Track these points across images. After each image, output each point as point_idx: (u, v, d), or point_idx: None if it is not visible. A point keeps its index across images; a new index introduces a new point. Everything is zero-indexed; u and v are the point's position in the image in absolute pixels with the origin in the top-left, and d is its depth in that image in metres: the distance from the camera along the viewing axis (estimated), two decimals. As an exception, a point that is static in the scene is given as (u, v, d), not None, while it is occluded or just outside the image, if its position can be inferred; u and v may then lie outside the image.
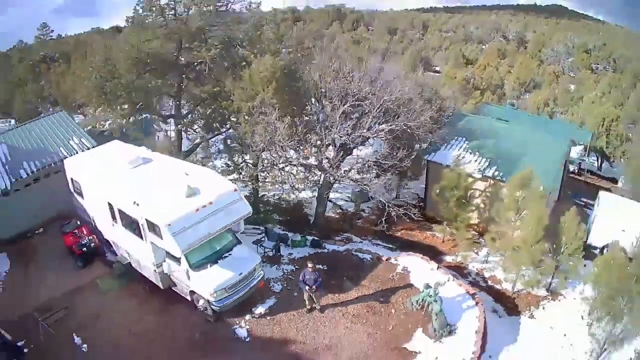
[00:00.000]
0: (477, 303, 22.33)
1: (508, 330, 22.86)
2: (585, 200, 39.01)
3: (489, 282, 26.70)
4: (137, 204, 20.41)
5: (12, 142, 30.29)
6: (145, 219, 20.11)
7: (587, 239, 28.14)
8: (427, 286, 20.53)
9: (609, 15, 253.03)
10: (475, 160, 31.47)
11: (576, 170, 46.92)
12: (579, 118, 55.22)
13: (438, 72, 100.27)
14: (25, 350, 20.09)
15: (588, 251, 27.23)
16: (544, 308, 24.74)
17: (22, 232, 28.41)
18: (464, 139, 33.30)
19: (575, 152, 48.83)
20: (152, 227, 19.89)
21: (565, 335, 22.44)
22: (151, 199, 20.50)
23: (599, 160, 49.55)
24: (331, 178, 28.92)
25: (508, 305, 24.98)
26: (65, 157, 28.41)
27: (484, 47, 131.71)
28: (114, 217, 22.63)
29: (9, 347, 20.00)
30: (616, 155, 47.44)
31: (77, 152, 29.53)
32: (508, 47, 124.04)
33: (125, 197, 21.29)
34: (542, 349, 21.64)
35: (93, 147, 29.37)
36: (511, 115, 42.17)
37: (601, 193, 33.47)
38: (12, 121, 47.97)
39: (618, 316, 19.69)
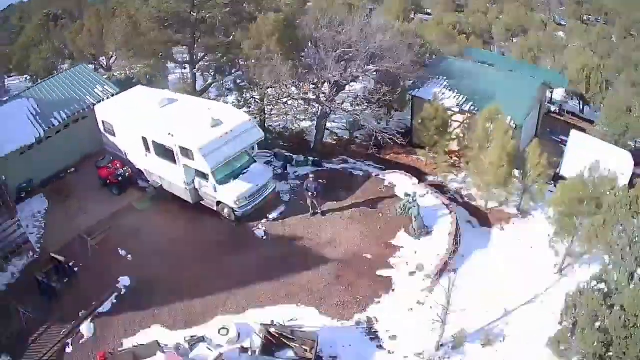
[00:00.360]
0: (451, 212, 26.60)
1: (480, 238, 26.66)
2: (562, 137, 40.87)
3: (466, 199, 30.15)
4: (172, 135, 24.67)
5: (39, 96, 32.60)
6: (179, 146, 24.42)
7: (559, 170, 31.45)
8: (407, 194, 25.15)
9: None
10: (454, 97, 34.70)
11: (558, 111, 49.26)
12: (562, 65, 57.70)
13: (429, 14, 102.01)
14: (76, 269, 23.43)
15: (561, 180, 30.27)
16: (513, 224, 28.21)
17: (55, 174, 31.27)
18: (445, 78, 36.42)
19: (559, 95, 51.53)
20: (185, 152, 24.24)
21: (531, 247, 25.84)
22: (183, 130, 24.72)
23: (581, 105, 52.71)
24: (327, 109, 32.91)
25: (481, 219, 28.56)
26: (93, 104, 31.56)
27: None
28: (147, 149, 26.77)
29: (63, 268, 23.23)
30: (595, 101, 50.47)
31: (102, 99, 32.20)
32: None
33: (160, 130, 25.48)
34: (509, 255, 25.13)
35: (116, 93, 32.26)
36: (493, 59, 45.11)
37: (573, 132, 36.01)
38: (26, 78, 50.66)
39: (574, 233, 22.90)
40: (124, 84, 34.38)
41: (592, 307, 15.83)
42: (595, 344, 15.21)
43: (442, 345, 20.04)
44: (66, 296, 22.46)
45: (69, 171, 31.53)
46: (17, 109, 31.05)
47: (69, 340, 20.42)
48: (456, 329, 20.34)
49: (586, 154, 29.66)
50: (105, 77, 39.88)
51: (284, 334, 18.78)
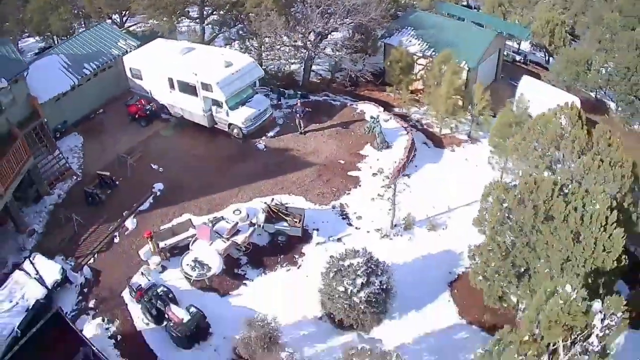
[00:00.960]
0: (408, 132, 34.39)
1: (433, 156, 33.74)
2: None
3: (425, 127, 37.09)
4: (196, 74, 32.10)
5: (68, 52, 37.37)
6: (201, 82, 31.92)
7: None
8: (371, 117, 33.13)
9: None
10: (419, 44, 41.14)
11: (523, 61, 54.10)
12: (529, 20, 61.53)
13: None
14: (117, 182, 30.14)
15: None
16: (463, 147, 34.77)
17: (86, 115, 36.86)
18: (412, 28, 42.71)
19: (526, 47, 56.22)
20: (206, 86, 31.81)
21: (476, 166, 32.08)
22: (203, 70, 32.20)
23: (547, 56, 56.53)
24: (312, 54, 40.01)
25: (436, 142, 35.41)
26: (118, 56, 37.59)
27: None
28: (172, 87, 33.93)
29: (107, 182, 29.86)
30: (559, 53, 53.16)
31: (127, 51, 37.78)
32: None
33: (184, 71, 32.79)
34: (456, 170, 31.88)
35: (138, 45, 37.98)
36: (462, 13, 51.99)
37: (524, 76, 40.40)
38: (42, 38, 55.11)
39: (506, 152, 28.29)
40: (141, 39, 40.67)
41: (499, 192, 22.64)
42: (499, 213, 21.99)
43: (395, 225, 27.72)
44: (110, 203, 28.99)
45: (97, 112, 37.31)
46: (51, 63, 36.13)
47: (116, 233, 27.43)
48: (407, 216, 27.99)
49: (534, 95, 34.52)
50: (124, 31, 46.07)
51: (280, 210, 26.69)
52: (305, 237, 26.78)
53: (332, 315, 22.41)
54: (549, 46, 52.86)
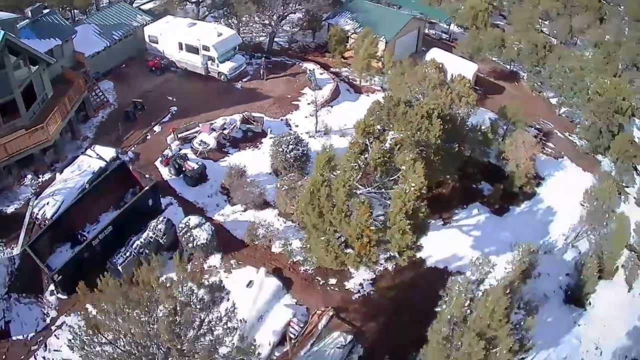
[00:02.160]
0: (334, 81, 52.88)
1: (352, 97, 51.95)
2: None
3: (350, 80, 55.21)
4: (199, 39, 50.01)
5: (98, 22, 52.44)
6: (202, 45, 49.87)
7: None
8: (309, 70, 51.76)
9: None
10: (352, 24, 58.45)
11: (448, 38, 68.25)
12: (459, 7, 71.38)
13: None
14: (145, 106, 46.32)
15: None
16: (376, 93, 51.27)
17: (114, 67, 52.16)
18: (349, 12, 60.22)
19: (455, 28, 69.91)
20: (205, 47, 49.83)
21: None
22: (203, 37, 50.10)
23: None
24: (275, 30, 57.85)
25: (356, 90, 53.39)
26: (137, 26, 53.85)
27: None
28: (180, 48, 51.65)
29: (138, 106, 46.09)
30: (479, 34, 62.92)
31: (144, 23, 53.92)
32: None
33: (190, 37, 50.60)
34: (366, 104, 45.48)
35: (151, 19, 54.75)
36: (395, 2, 68.55)
37: (433, 48, 56.74)
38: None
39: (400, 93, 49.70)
40: (152, 15, 58.08)
41: (375, 104, 41.20)
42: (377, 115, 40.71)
43: (318, 130, 45.96)
44: (141, 120, 46.06)
45: (121, 66, 52.89)
46: (86, 30, 50.16)
47: (148, 134, 44.63)
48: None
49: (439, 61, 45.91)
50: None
51: (249, 118, 45.00)
52: (264, 134, 44.86)
53: (276, 170, 40.64)
54: (471, 28, 64.76)
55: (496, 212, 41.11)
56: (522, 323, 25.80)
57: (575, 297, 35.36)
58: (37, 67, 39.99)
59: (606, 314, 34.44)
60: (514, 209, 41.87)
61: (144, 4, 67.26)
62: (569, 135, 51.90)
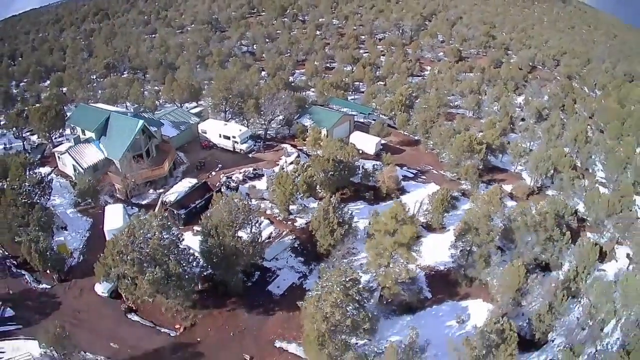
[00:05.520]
0: (297, 152, 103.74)
1: (304, 157, 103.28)
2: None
3: (305, 151, 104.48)
4: (229, 132, 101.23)
5: (169, 119, 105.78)
6: (232, 135, 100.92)
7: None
8: (285, 147, 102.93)
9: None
10: (309, 121, 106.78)
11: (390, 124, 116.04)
12: (383, 104, 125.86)
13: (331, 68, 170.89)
14: (205, 164, 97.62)
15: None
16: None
17: (181, 145, 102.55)
18: (309, 114, 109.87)
19: (382, 115, 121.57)
20: (233, 136, 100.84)
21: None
22: (232, 130, 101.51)
23: (395, 120, 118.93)
24: (267, 126, 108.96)
25: (308, 156, 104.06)
26: (192, 123, 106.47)
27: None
28: (220, 137, 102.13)
29: (202, 163, 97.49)
30: (396, 118, 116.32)
31: (195, 122, 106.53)
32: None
33: (225, 130, 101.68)
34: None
35: (198, 121, 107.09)
36: (342, 104, 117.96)
37: (355, 131, 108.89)
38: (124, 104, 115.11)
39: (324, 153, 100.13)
40: (198, 116, 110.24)
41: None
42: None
43: (283, 168, 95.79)
44: (204, 170, 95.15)
45: (184, 145, 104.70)
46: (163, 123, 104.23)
47: (209, 174, 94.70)
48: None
49: (356, 138, 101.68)
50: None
51: (256, 168, 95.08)
52: (262, 175, 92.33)
53: (267, 187, 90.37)
54: (391, 114, 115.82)
55: (370, 204, 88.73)
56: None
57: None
58: (151, 139, 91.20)
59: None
60: (381, 203, 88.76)
61: (192, 108, 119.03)
62: (442, 171, 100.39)
